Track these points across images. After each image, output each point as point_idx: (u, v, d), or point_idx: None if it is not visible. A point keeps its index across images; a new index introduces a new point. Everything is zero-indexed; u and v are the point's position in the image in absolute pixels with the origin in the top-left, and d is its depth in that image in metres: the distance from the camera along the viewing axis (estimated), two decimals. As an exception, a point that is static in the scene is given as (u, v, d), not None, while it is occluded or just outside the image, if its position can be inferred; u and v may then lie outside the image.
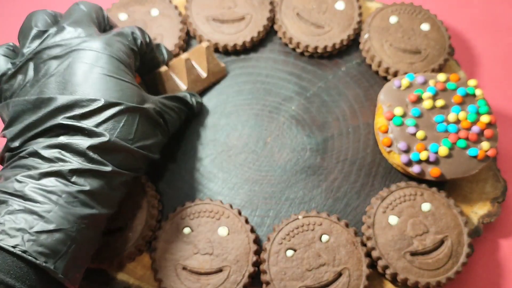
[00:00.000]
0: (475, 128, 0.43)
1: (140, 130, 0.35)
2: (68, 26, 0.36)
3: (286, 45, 0.51)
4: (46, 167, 0.32)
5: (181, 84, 0.47)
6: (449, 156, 0.43)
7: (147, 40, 0.41)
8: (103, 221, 0.35)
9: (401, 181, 0.44)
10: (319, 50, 0.50)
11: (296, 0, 0.51)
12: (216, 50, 0.50)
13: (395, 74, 0.48)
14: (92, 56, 0.35)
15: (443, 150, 0.42)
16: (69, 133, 0.33)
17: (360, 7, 0.51)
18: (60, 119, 0.33)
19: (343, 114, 0.48)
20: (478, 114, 0.44)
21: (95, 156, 0.33)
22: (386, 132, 0.44)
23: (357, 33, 0.51)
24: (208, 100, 0.49)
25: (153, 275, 0.40)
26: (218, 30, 0.50)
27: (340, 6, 0.51)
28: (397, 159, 0.43)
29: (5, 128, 0.35)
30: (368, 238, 0.41)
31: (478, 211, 0.45)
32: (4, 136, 0.35)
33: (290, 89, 0.49)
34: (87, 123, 0.33)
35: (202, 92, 0.49)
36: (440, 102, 0.44)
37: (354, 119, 0.48)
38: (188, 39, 0.51)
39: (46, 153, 0.32)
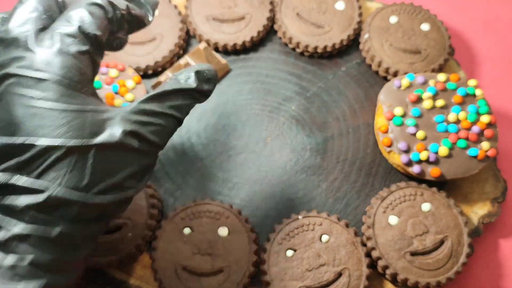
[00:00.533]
0: (475, 128, 0.43)
1: (98, 169, 0.27)
2: (4, 37, 0.28)
3: (286, 45, 0.51)
4: None
5: None
6: (449, 156, 0.43)
7: (110, 13, 0.30)
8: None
9: (401, 181, 0.44)
10: (319, 50, 0.50)
11: (296, 0, 0.51)
12: (216, 49, 0.50)
13: (395, 74, 0.48)
14: (27, 84, 0.27)
15: (443, 150, 0.42)
16: (5, 190, 0.26)
17: (360, 7, 0.51)
18: None
19: (343, 114, 0.48)
20: (478, 114, 0.44)
21: (40, 215, 0.26)
22: (386, 132, 0.44)
23: (357, 33, 0.51)
24: (208, 100, 0.48)
25: (153, 275, 0.40)
26: (218, 30, 0.50)
27: (340, 6, 0.51)
28: (397, 159, 0.43)
29: None
30: (368, 238, 0.41)
31: (478, 211, 0.45)
32: None
33: (290, 89, 0.49)
34: (22, 179, 0.26)
35: (202, 92, 0.49)
36: (440, 102, 0.44)
37: (354, 119, 0.48)
38: (188, 39, 0.51)
39: None
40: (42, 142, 0.26)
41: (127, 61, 0.48)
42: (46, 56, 0.27)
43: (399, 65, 0.48)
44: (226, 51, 0.50)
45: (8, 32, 0.28)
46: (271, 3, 0.51)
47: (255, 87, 0.49)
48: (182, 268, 0.39)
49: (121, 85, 0.45)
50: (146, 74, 0.49)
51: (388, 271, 0.40)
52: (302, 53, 0.51)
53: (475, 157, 0.43)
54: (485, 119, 0.44)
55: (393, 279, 0.41)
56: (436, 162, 0.42)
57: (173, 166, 0.45)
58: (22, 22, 0.28)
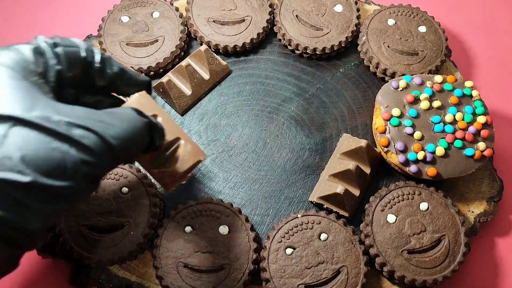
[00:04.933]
0: (472, 129, 0.44)
1: (18, 147, 0.25)
2: None
3: (285, 46, 0.52)
4: None
5: (186, 90, 0.48)
6: (445, 156, 0.43)
7: (76, 44, 0.32)
8: None
9: (399, 181, 0.45)
10: (318, 52, 0.50)
11: (295, 3, 0.52)
12: (217, 51, 0.51)
13: (393, 76, 0.49)
14: None
15: (439, 150, 0.43)
16: None
17: (358, 10, 0.52)
18: None
19: (342, 114, 0.49)
20: (475, 114, 0.45)
21: None
22: (384, 132, 0.44)
23: (355, 35, 0.52)
24: (209, 101, 0.49)
25: (155, 272, 0.41)
26: (219, 32, 0.50)
27: (338, 8, 0.52)
28: (395, 159, 0.44)
29: None
30: (366, 236, 0.42)
31: (474, 210, 0.46)
32: None
33: (289, 90, 0.50)
34: None
35: (204, 94, 0.49)
36: (437, 103, 0.45)
37: (352, 119, 0.49)
38: (189, 41, 0.52)
39: None
40: None
41: (129, 62, 0.48)
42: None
43: (396, 67, 0.49)
44: (226, 53, 0.51)
45: None
46: (271, 5, 0.52)
47: (255, 88, 0.50)
48: (183, 265, 0.40)
49: (123, 86, 0.45)
50: (148, 75, 0.49)
51: (385, 269, 0.41)
52: (301, 55, 0.51)
53: (472, 157, 0.43)
54: (481, 119, 0.44)
55: (391, 276, 0.41)
56: (433, 162, 0.43)
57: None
58: None
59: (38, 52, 0.29)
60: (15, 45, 0.29)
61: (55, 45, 0.30)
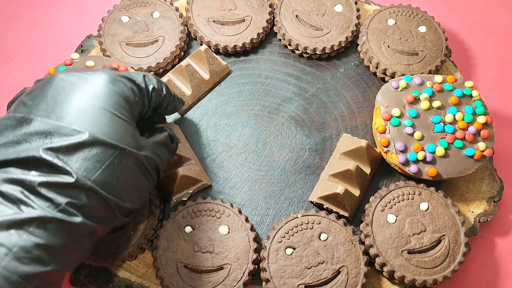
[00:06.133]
0: (472, 129, 0.44)
1: (124, 176, 0.31)
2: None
3: (285, 46, 0.52)
4: (3, 212, 0.27)
5: (186, 90, 0.48)
6: (445, 156, 0.43)
7: (162, 88, 0.39)
8: (59, 278, 0.29)
9: (399, 181, 0.45)
10: (318, 52, 0.50)
11: (295, 3, 0.52)
12: (217, 51, 0.51)
13: (393, 76, 0.49)
14: (92, 85, 0.32)
15: (439, 150, 0.43)
16: (42, 167, 0.28)
17: (358, 10, 0.52)
18: (39, 150, 0.28)
19: (341, 114, 0.49)
20: (475, 114, 0.45)
21: (64, 199, 0.28)
22: (384, 132, 0.44)
23: (355, 35, 0.52)
24: (209, 101, 0.49)
25: (155, 273, 0.41)
26: (219, 32, 0.50)
27: (338, 8, 0.52)
28: (395, 159, 0.44)
29: None
30: (366, 236, 0.42)
31: (474, 210, 0.46)
32: None
33: (289, 90, 0.50)
34: (64, 159, 0.29)
35: (204, 94, 0.49)
36: (437, 103, 0.45)
37: (352, 119, 0.49)
38: (189, 41, 0.52)
39: (6, 188, 0.27)
40: (93, 133, 0.30)
41: (129, 62, 0.48)
42: (113, 75, 0.34)
43: (396, 67, 0.49)
44: (226, 53, 0.51)
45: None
46: (271, 5, 0.52)
47: (255, 88, 0.50)
48: (183, 266, 0.40)
49: (123, 86, 0.46)
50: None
51: (385, 269, 0.41)
52: (301, 55, 0.51)
53: (472, 157, 0.43)
54: (481, 119, 0.44)
55: (391, 276, 0.41)
56: (433, 162, 0.43)
57: (174, 166, 0.46)
58: None
59: (143, 92, 0.36)
60: (130, 76, 0.35)
61: (153, 89, 0.37)
